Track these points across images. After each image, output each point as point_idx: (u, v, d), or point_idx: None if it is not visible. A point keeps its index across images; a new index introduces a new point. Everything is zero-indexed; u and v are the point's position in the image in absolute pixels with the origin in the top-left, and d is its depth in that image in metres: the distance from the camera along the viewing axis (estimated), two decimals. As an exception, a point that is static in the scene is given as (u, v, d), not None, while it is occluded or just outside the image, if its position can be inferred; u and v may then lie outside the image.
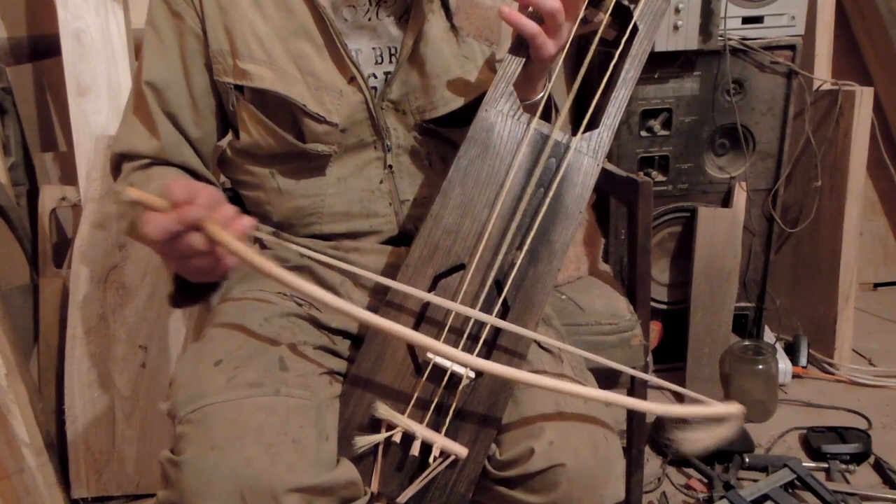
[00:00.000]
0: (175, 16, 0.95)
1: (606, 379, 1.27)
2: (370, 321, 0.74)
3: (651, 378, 0.89)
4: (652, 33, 0.87)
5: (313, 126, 0.94)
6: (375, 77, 0.96)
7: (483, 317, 0.80)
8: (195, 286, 0.88)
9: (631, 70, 0.87)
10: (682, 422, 0.84)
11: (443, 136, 1.00)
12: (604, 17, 0.87)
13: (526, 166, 0.84)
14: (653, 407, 0.84)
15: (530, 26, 0.81)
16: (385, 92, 0.96)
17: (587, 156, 0.85)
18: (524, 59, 0.84)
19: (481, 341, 0.82)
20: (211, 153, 1.03)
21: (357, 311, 0.74)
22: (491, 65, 0.99)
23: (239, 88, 0.95)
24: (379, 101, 0.96)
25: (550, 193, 0.83)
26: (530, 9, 0.82)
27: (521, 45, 0.83)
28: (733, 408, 0.83)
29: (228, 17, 0.93)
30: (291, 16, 0.92)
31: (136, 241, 0.91)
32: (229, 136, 1.05)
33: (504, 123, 0.84)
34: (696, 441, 0.84)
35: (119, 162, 1.00)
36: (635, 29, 0.87)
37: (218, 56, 0.94)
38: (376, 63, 0.96)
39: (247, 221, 0.74)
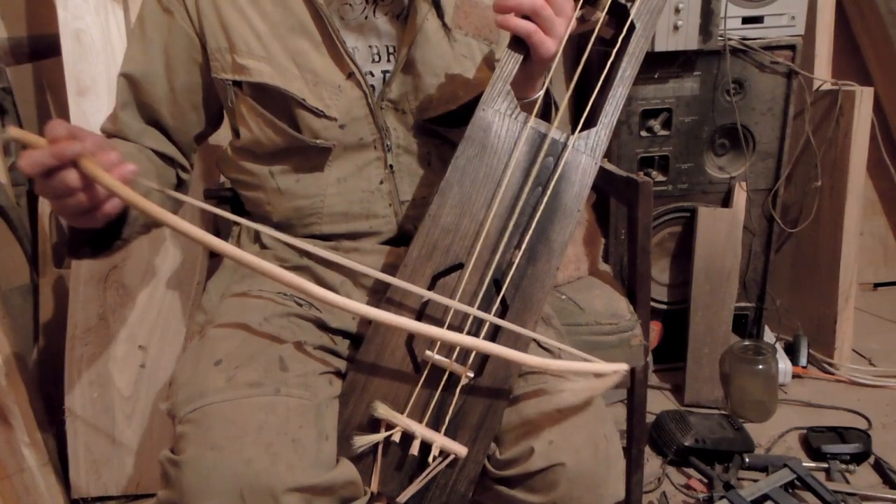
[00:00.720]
0: (165, 11, 0.96)
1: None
2: (352, 308, 0.75)
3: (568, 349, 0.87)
4: (649, 31, 0.87)
5: (312, 121, 0.94)
6: (373, 75, 0.96)
7: (481, 314, 0.80)
8: (88, 237, 0.87)
9: (628, 68, 0.87)
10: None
11: (443, 136, 1.00)
12: (601, 16, 0.87)
13: (523, 165, 0.84)
14: (537, 361, 0.81)
15: (524, 25, 0.81)
16: (384, 91, 0.96)
17: (585, 154, 0.85)
18: (521, 58, 0.84)
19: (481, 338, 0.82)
20: (189, 142, 1.05)
21: (329, 293, 0.75)
22: (490, 63, 1.00)
23: (238, 84, 0.95)
24: (378, 101, 0.96)
25: (548, 192, 0.84)
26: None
27: (520, 42, 0.83)
28: (618, 366, 0.83)
29: (225, 14, 0.93)
30: (289, 13, 0.92)
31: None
32: (229, 137, 1.06)
33: (501, 122, 0.84)
34: (572, 393, 0.83)
35: None
36: (632, 27, 0.87)
37: (216, 53, 0.95)
38: (373, 61, 0.96)
39: (130, 167, 0.73)
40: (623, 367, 0.83)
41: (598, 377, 0.83)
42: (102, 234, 0.85)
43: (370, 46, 0.96)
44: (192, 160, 1.08)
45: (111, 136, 1.00)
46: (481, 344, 0.78)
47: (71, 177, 0.69)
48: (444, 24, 0.95)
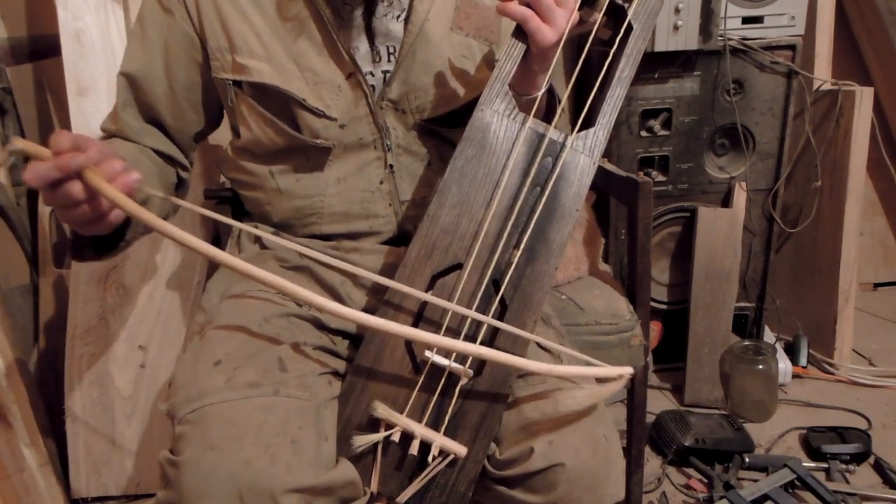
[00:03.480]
0: (165, 11, 0.96)
1: (606, 379, 1.27)
2: (350, 316, 0.75)
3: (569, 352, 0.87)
4: (647, 32, 0.87)
5: (312, 121, 0.94)
6: (373, 75, 0.96)
7: (479, 316, 0.80)
8: (93, 240, 0.87)
9: (626, 69, 0.87)
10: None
11: (443, 136, 1.00)
12: (598, 17, 0.87)
13: (522, 165, 0.84)
14: (541, 366, 0.80)
15: (521, 10, 0.81)
16: (385, 91, 0.96)
17: (583, 154, 0.85)
18: (521, 54, 0.84)
19: (478, 341, 0.82)
20: (189, 141, 1.05)
21: (325, 301, 0.75)
22: (490, 64, 1.00)
23: (238, 84, 0.95)
24: (378, 101, 0.96)
25: (546, 192, 0.84)
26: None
27: (522, 31, 0.83)
28: (622, 369, 0.82)
29: (225, 13, 0.93)
30: (289, 12, 0.92)
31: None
32: (229, 137, 1.06)
33: (500, 123, 0.84)
34: (575, 399, 0.83)
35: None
36: (630, 28, 0.87)
37: (217, 53, 0.95)
38: (374, 62, 0.96)
39: (134, 175, 0.73)
40: (627, 370, 0.82)
41: (602, 382, 0.83)
42: (106, 236, 0.85)
43: (370, 47, 0.96)
44: (192, 158, 1.08)
45: (112, 135, 1.00)
46: (482, 350, 0.78)
47: (75, 188, 0.70)
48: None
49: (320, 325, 0.95)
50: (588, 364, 0.84)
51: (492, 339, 0.83)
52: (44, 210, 1.59)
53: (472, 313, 0.80)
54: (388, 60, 0.96)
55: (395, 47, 0.96)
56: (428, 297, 0.80)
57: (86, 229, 0.76)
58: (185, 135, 1.03)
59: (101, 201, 0.72)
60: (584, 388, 0.84)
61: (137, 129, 0.99)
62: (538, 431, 0.82)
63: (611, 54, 0.88)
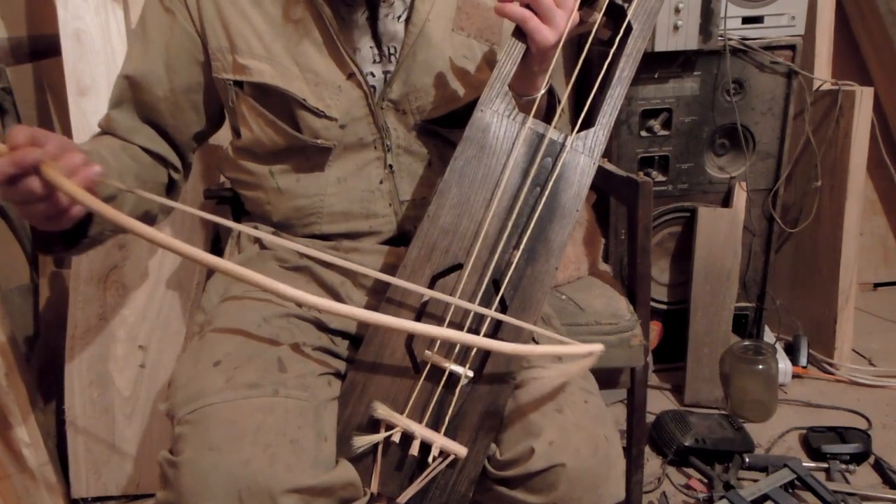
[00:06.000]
0: (167, 11, 0.96)
1: (607, 379, 1.27)
2: (348, 313, 0.75)
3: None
4: (646, 32, 0.87)
5: (312, 121, 0.94)
6: (374, 76, 0.96)
7: (482, 310, 0.80)
8: (61, 234, 0.85)
9: (626, 69, 0.87)
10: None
11: (443, 137, 1.00)
12: (598, 17, 0.87)
13: (522, 166, 0.84)
14: (514, 348, 0.80)
15: (519, 11, 0.81)
16: (385, 91, 0.96)
17: (583, 154, 0.85)
18: (521, 54, 0.84)
19: (482, 335, 0.82)
20: (188, 141, 1.05)
21: (320, 300, 0.74)
22: (491, 64, 1.00)
23: (238, 84, 0.95)
24: (379, 101, 0.96)
25: (546, 192, 0.84)
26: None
27: (521, 32, 0.83)
28: (593, 346, 0.82)
29: (226, 14, 0.93)
30: (290, 13, 0.92)
31: None
32: (229, 137, 1.06)
33: (500, 123, 0.84)
34: (546, 379, 0.84)
35: None
36: (629, 28, 0.87)
37: (217, 53, 0.95)
38: (374, 62, 0.96)
39: (95, 169, 0.72)
40: (598, 347, 0.82)
41: (570, 359, 0.83)
42: (72, 231, 0.84)
43: (371, 47, 0.96)
44: (190, 159, 1.07)
45: (103, 132, 1.00)
46: (471, 338, 0.78)
47: (33, 184, 0.68)
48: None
49: (320, 326, 0.95)
50: (561, 343, 0.84)
51: (494, 334, 0.83)
52: (44, 210, 1.59)
53: (474, 307, 0.80)
54: (390, 61, 0.96)
55: (396, 48, 0.96)
56: (430, 292, 0.80)
57: (47, 225, 0.75)
58: (183, 135, 1.03)
59: (60, 197, 0.71)
60: (551, 368, 0.85)
61: (128, 127, 0.99)
62: (539, 432, 0.82)
63: (610, 54, 0.88)
